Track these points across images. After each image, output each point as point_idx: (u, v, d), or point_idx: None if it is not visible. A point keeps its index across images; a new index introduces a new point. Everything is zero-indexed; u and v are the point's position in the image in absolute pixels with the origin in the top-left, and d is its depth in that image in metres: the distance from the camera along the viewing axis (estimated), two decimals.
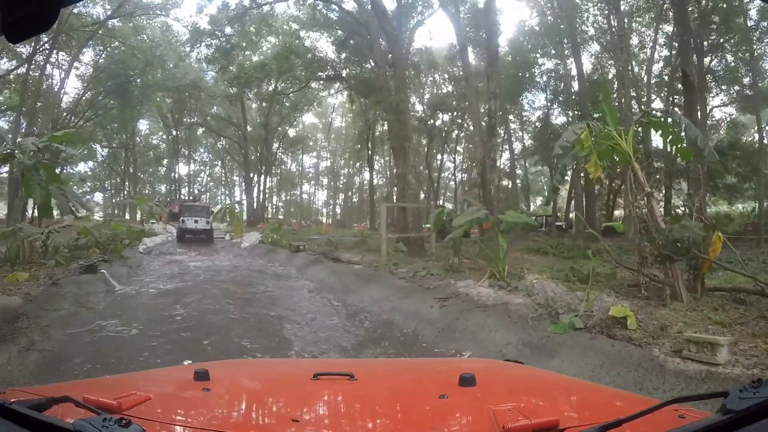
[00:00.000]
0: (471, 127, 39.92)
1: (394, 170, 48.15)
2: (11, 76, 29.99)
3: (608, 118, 8.28)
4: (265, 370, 2.31)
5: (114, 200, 49.73)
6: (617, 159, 8.41)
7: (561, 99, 35.24)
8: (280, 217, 47.65)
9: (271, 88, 38.63)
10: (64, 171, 44.89)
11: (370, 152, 39.90)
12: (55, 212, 13.83)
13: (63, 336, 6.82)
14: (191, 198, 38.95)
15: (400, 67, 17.42)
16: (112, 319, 7.79)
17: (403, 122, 16.58)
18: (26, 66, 28.89)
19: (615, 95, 32.89)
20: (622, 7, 27.66)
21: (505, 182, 35.16)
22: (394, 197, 49.51)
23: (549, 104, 36.74)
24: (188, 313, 8.46)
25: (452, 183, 49.92)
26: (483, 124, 18.15)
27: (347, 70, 28.66)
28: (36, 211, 12.66)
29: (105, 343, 6.62)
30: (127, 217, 36.27)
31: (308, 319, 8.24)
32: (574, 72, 31.88)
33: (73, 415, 1.01)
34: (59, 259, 10.68)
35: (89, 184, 52.18)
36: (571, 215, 36.96)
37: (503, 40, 31.94)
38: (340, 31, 27.31)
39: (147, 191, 53.02)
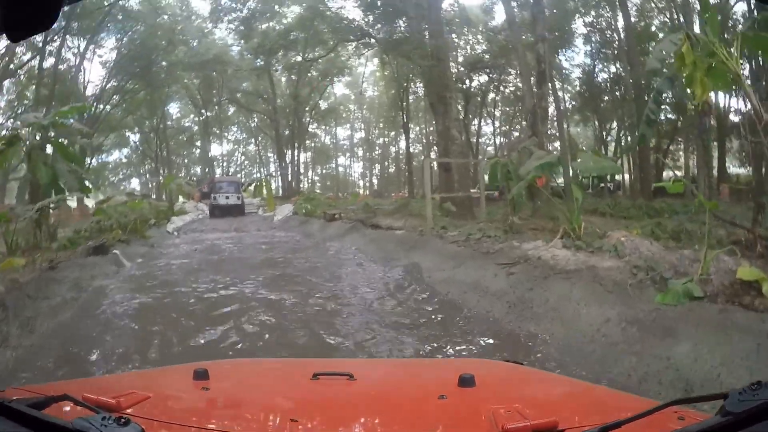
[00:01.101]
0: (507, 89, 38.13)
1: (433, 129, 47.01)
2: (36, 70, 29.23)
3: (708, 30, 6.50)
4: (264, 369, 2.24)
5: (150, 185, 49.40)
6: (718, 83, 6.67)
7: (604, 53, 32.70)
8: (318, 191, 46.49)
9: (298, 58, 37.33)
10: (99, 159, 45.82)
11: (404, 118, 38.09)
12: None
13: (47, 328, 5.65)
14: (224, 176, 38.52)
15: (437, 10, 15.58)
16: (111, 306, 6.50)
17: (444, 70, 14.81)
18: (38, 56, 28.16)
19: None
20: None
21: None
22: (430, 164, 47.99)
23: (593, 58, 34.13)
24: (198, 297, 7.05)
25: (490, 148, 47.74)
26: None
27: (376, 32, 26.76)
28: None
29: (94, 336, 5.35)
30: (164, 198, 35.76)
31: (345, 299, 6.74)
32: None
33: (72, 413, 0.99)
34: (64, 241, 9.54)
35: (124, 170, 52.43)
36: (617, 177, 34.57)
37: None
38: None
39: (182, 173, 52.63)
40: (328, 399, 1.49)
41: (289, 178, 43.86)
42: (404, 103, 37.51)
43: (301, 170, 51.63)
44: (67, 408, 1.05)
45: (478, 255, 7.53)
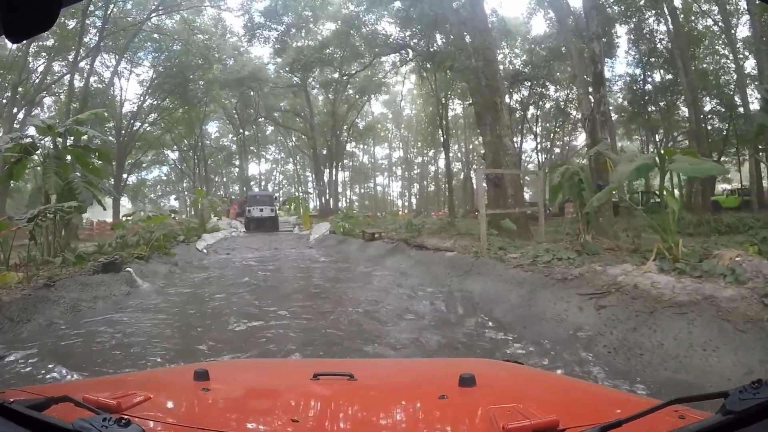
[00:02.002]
0: (548, 104, 36.54)
1: (473, 146, 45.64)
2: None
3: None
4: (264, 370, 2.24)
5: (187, 202, 49.47)
6: None
7: (650, 61, 30.96)
8: (356, 210, 45.29)
9: (335, 75, 36.89)
10: (139, 176, 46.36)
11: (444, 135, 36.85)
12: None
13: (19, 360, 4.55)
14: (259, 191, 39.29)
15: (481, 7, 14.33)
16: (104, 338, 5.32)
17: (493, 71, 13.48)
18: (71, 72, 28.24)
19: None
20: None
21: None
22: (473, 179, 46.56)
23: (642, 66, 32.23)
24: (214, 342, 5.65)
25: (530, 166, 46.05)
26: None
27: (415, 44, 25.77)
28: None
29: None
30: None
31: (392, 339, 5.34)
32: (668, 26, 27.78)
33: (72, 414, 0.96)
34: (71, 256, 8.54)
35: (163, 188, 52.93)
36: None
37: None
38: (398, 3, 24.46)
39: (221, 192, 52.69)
40: (329, 399, 1.46)
41: (327, 197, 43.02)
42: (443, 121, 36.44)
43: (339, 189, 50.92)
44: (68, 409, 1.00)
45: (553, 282, 6.09)
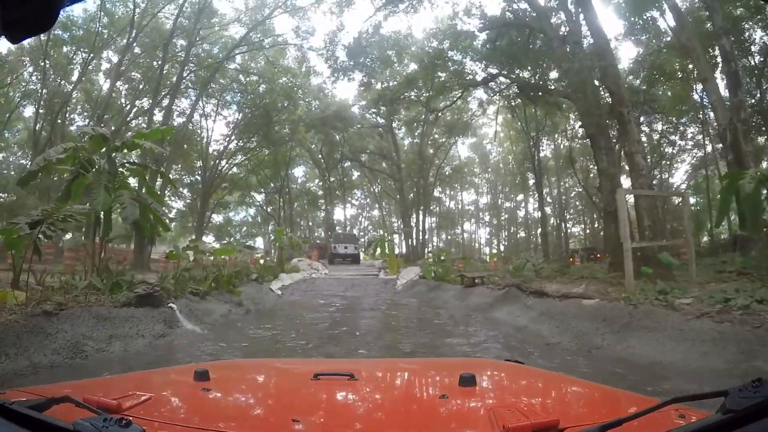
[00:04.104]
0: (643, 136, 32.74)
1: (563, 189, 42.59)
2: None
3: None
4: (265, 370, 2.22)
5: (272, 244, 49.65)
6: None
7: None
8: (443, 258, 42.01)
9: (422, 117, 36.36)
10: (226, 216, 47.54)
11: (536, 175, 34.34)
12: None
13: None
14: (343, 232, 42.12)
15: (591, 7, 12.21)
16: None
17: (615, 75, 11.28)
18: (150, 109, 29.22)
19: None
20: None
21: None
22: (564, 227, 43.09)
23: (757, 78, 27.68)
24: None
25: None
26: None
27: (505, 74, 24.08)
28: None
29: None
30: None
31: None
32: None
33: (73, 415, 0.94)
34: (96, 281, 7.14)
35: (249, 229, 53.76)
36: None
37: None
38: (483, 36, 23.07)
39: (305, 235, 52.66)
40: (329, 399, 1.46)
41: (413, 243, 41.50)
42: (536, 160, 34.11)
43: (426, 235, 49.24)
44: (68, 410, 0.98)
45: None
